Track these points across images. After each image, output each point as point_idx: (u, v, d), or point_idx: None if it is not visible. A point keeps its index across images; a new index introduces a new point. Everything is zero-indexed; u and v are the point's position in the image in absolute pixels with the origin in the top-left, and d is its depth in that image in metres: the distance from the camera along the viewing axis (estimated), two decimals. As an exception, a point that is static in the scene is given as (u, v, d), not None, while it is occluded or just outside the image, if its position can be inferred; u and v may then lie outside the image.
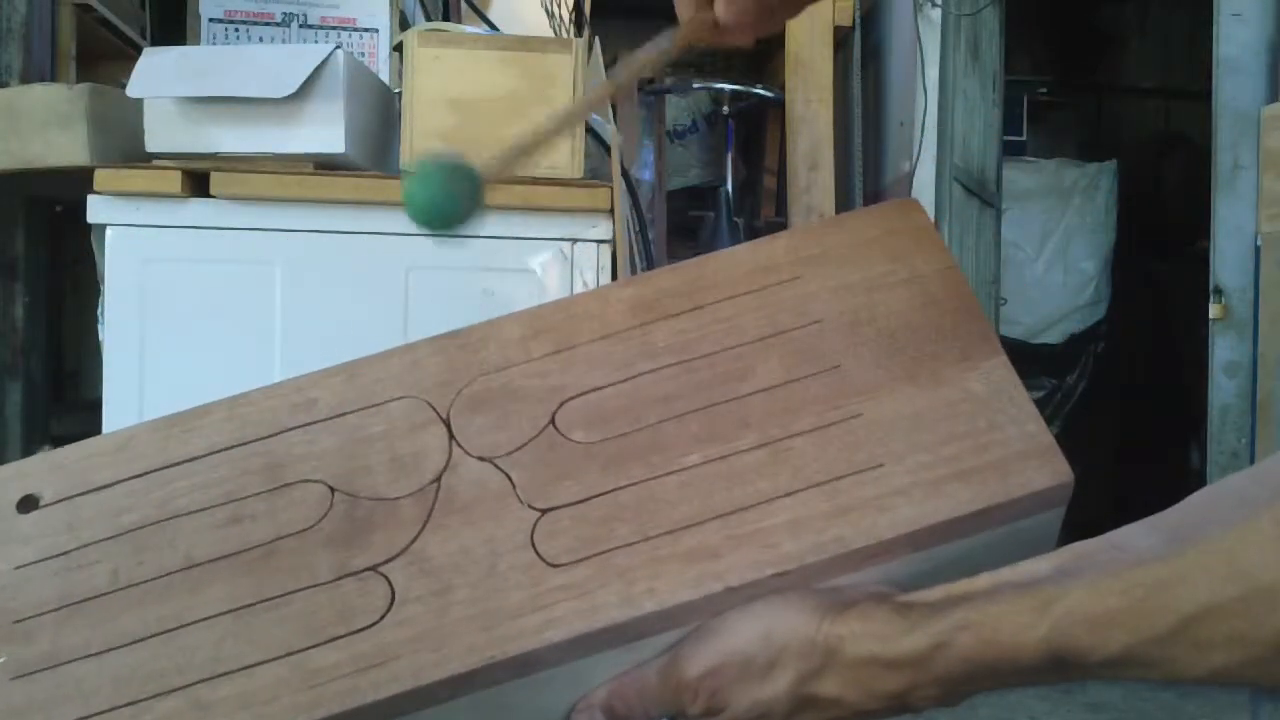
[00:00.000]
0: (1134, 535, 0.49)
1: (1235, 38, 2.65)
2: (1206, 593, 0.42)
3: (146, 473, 0.58)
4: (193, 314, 1.43)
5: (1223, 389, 2.65)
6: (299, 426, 0.59)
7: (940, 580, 0.51)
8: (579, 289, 1.43)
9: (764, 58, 3.79)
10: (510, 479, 0.56)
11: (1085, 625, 0.45)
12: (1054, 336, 3.99)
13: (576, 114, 0.58)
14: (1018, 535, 0.56)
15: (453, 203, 0.54)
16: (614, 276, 1.49)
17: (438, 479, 0.57)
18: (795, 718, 0.51)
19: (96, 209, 1.42)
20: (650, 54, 0.59)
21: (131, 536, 0.56)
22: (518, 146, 0.56)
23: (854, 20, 3.13)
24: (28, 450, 1.75)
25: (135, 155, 1.43)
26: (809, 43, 3.02)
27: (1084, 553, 0.49)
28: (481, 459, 0.57)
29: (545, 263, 1.45)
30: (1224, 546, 0.43)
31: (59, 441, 1.61)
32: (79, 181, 1.41)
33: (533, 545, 0.54)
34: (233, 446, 0.59)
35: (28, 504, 0.58)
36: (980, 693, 0.50)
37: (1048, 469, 0.54)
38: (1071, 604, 0.45)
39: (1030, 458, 0.55)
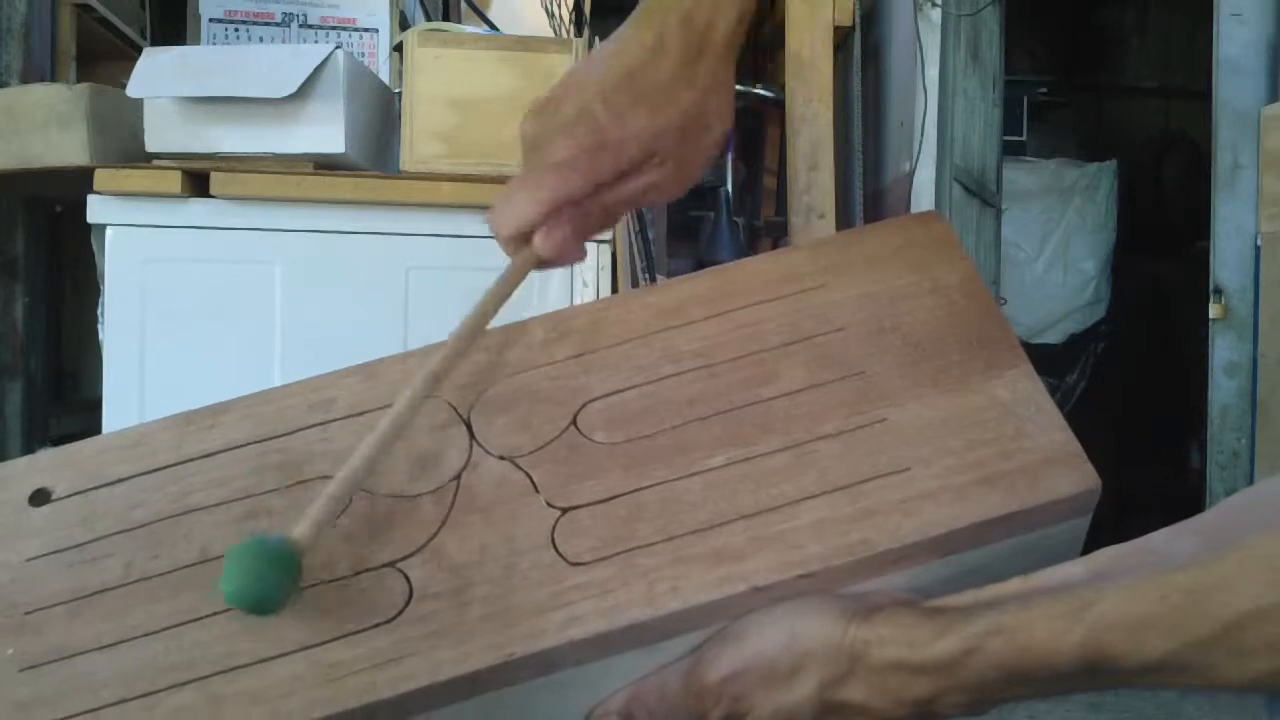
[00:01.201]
0: (1170, 540, 0.48)
1: (1235, 38, 2.65)
2: (1249, 599, 0.42)
3: (162, 468, 0.58)
4: (193, 314, 1.43)
5: (1223, 389, 2.65)
6: (317, 425, 0.59)
7: (964, 588, 0.50)
8: (579, 289, 1.43)
9: (764, 58, 3.79)
10: (531, 478, 0.56)
11: (1122, 630, 0.44)
12: (1054, 336, 3.99)
13: (402, 422, 0.55)
14: (1042, 543, 0.56)
15: (267, 590, 0.48)
16: (614, 276, 1.49)
17: (457, 477, 0.56)
18: None
19: (96, 209, 1.42)
20: (485, 308, 0.59)
21: (146, 530, 0.56)
22: (333, 501, 0.52)
23: (854, 20, 3.13)
24: (28, 450, 1.75)
25: (135, 155, 1.43)
26: (809, 43, 3.02)
27: (1118, 556, 0.48)
28: (502, 458, 0.57)
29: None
30: (1266, 552, 0.42)
31: (59, 442, 1.61)
32: (79, 181, 1.41)
33: (553, 544, 0.54)
34: (249, 443, 0.59)
35: (40, 497, 0.57)
36: (1010, 701, 0.48)
37: (1075, 475, 0.54)
38: (1108, 608, 0.44)
39: (1057, 464, 0.54)
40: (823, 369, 0.59)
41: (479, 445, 0.58)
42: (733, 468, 0.55)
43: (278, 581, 0.48)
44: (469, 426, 0.59)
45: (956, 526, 0.53)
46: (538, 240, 0.57)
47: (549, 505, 0.55)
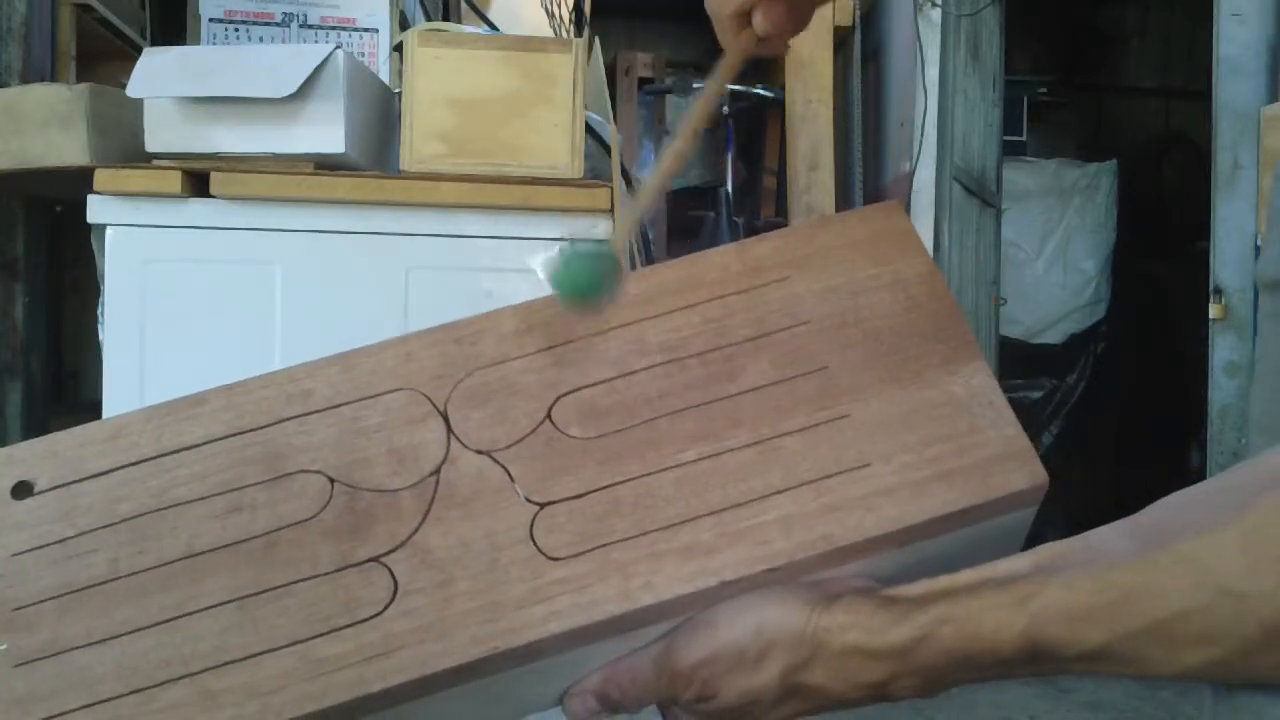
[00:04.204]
0: (1109, 537, 0.51)
1: (1235, 38, 2.65)
2: (1177, 598, 0.45)
3: (142, 461, 0.58)
4: (193, 314, 1.43)
5: (1223, 389, 2.65)
6: (295, 417, 0.60)
7: (918, 572, 0.53)
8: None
9: (764, 58, 3.79)
10: (509, 473, 0.57)
11: (1062, 621, 0.47)
12: (1054, 336, 3.99)
13: (669, 167, 0.63)
14: (993, 531, 0.58)
15: (596, 284, 0.59)
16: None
17: (437, 471, 0.57)
18: (781, 705, 0.53)
19: (96, 209, 1.42)
20: (710, 88, 0.64)
21: (130, 525, 0.56)
22: (634, 212, 0.60)
23: (854, 20, 3.13)
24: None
25: (135, 155, 1.44)
26: (809, 43, 3.02)
27: (1061, 552, 0.50)
28: (480, 452, 0.58)
29: (545, 263, 1.45)
30: (1194, 554, 0.45)
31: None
32: (79, 181, 1.41)
33: (532, 539, 0.55)
34: (230, 436, 0.59)
35: (22, 490, 0.58)
36: (958, 685, 0.52)
37: (1025, 471, 0.57)
38: (1049, 600, 0.48)
39: (1008, 460, 0.57)
40: (787, 364, 0.60)
41: (457, 439, 0.59)
42: (703, 463, 0.57)
43: (602, 274, 0.58)
44: (446, 419, 0.59)
45: (914, 521, 0.55)
46: (757, 18, 0.61)
47: (527, 500, 0.56)
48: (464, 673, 0.52)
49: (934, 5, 3.10)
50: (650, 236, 2.31)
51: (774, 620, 0.52)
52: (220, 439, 0.59)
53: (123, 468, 0.58)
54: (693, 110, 0.64)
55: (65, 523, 0.56)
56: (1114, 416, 4.09)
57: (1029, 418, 3.78)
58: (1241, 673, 0.46)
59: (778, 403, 0.59)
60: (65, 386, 2.03)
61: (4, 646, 0.53)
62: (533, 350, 0.62)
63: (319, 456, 0.58)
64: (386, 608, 0.53)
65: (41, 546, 0.56)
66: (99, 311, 1.45)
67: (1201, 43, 2.97)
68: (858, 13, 3.14)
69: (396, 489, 0.57)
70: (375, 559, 0.55)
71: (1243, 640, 0.44)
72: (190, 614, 0.53)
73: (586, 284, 0.58)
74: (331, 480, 0.57)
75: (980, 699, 2.56)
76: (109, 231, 1.42)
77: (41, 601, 0.54)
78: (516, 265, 1.44)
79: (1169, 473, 3.74)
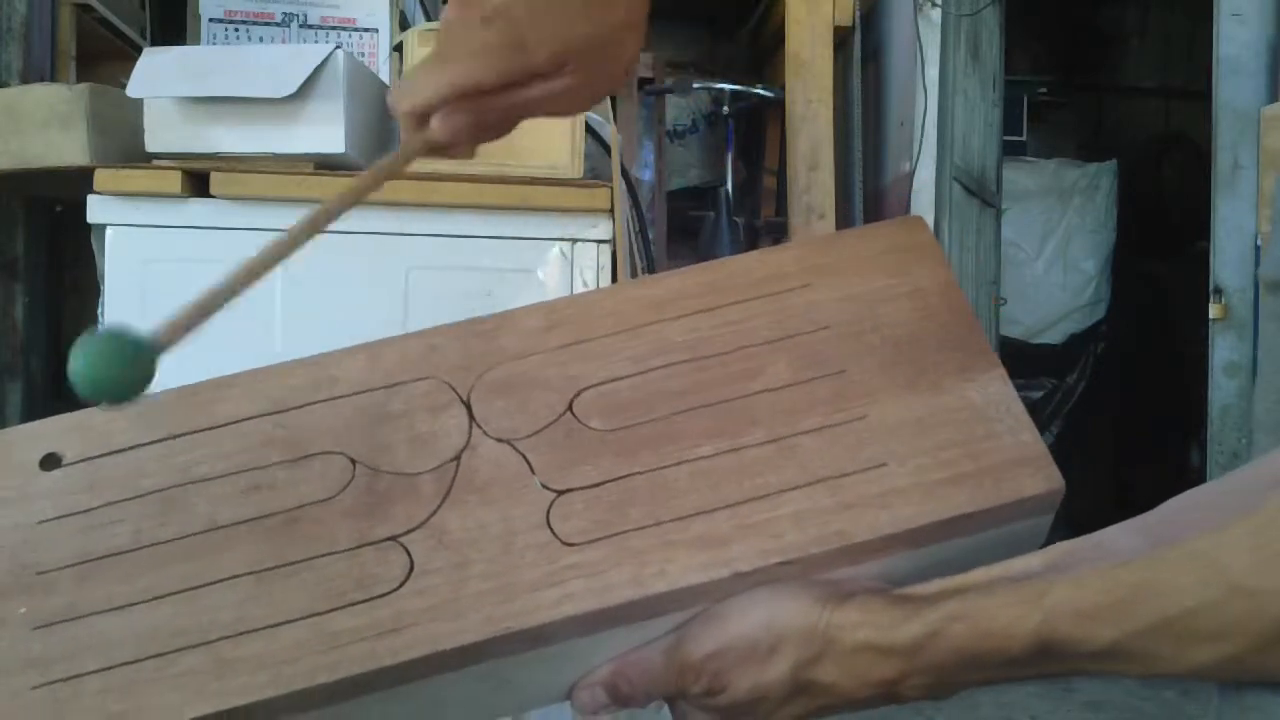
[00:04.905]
0: (1118, 536, 0.51)
1: (1235, 38, 2.65)
2: (1187, 595, 0.45)
3: (169, 438, 0.60)
4: (193, 314, 1.43)
5: (1223, 389, 2.65)
6: (321, 401, 0.61)
7: (933, 577, 0.53)
8: (579, 289, 1.43)
9: (764, 58, 3.79)
10: (528, 461, 0.58)
11: (1074, 618, 0.47)
12: (1054, 336, 4.00)
13: (267, 260, 0.60)
14: (1007, 537, 0.58)
15: (116, 379, 0.52)
16: (614, 276, 1.49)
17: (457, 457, 0.58)
18: (791, 701, 0.53)
19: (96, 209, 1.42)
20: (366, 178, 0.60)
21: (154, 498, 0.58)
22: (199, 306, 0.56)
23: (854, 20, 3.13)
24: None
25: (135, 155, 1.43)
26: (809, 43, 3.02)
27: (1072, 550, 0.51)
28: (500, 440, 0.59)
29: (545, 263, 1.45)
30: (1203, 550, 0.45)
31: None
32: (79, 181, 1.41)
33: (549, 525, 0.56)
34: (254, 417, 0.61)
35: (50, 462, 0.59)
36: (969, 687, 0.51)
37: (1040, 476, 0.57)
38: (1060, 597, 0.47)
39: (1024, 465, 0.57)
40: (806, 366, 0.61)
41: (478, 427, 0.60)
42: (719, 458, 0.58)
43: (127, 373, 0.51)
44: (469, 408, 0.60)
45: (927, 521, 0.55)
46: (435, 122, 0.57)
47: (545, 487, 0.57)
48: (474, 652, 0.52)
49: (934, 5, 3.10)
50: (650, 236, 2.30)
51: (785, 614, 0.52)
52: (245, 420, 0.61)
53: (149, 444, 0.60)
54: (344, 192, 0.60)
55: (90, 494, 0.58)
56: (1114, 416, 4.09)
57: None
58: (1253, 669, 0.46)
59: (795, 403, 0.60)
60: (65, 386, 2.03)
61: (23, 610, 0.54)
62: (556, 345, 0.63)
63: (342, 439, 0.59)
64: (401, 585, 0.54)
65: (67, 515, 0.57)
66: (99, 311, 1.45)
67: (1201, 43, 2.97)
68: (858, 13, 3.13)
69: (417, 472, 0.58)
70: (393, 538, 0.55)
71: (1254, 636, 0.44)
72: (209, 584, 0.54)
73: (109, 383, 0.51)
74: (353, 462, 0.58)
75: (982, 699, 2.56)
76: (109, 231, 1.42)
77: (63, 567, 0.55)
78: (516, 265, 1.44)
79: (1169, 473, 3.75)
